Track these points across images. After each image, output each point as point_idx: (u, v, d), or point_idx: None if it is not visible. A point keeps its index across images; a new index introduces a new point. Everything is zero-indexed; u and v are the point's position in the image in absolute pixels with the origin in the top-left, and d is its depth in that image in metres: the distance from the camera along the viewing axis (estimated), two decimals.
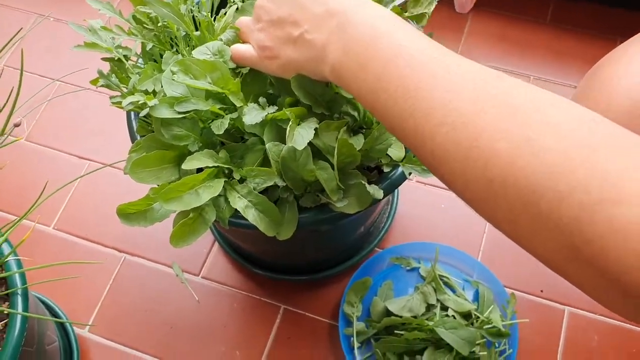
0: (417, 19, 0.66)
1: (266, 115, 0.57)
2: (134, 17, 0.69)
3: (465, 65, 0.42)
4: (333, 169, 0.59)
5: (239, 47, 0.59)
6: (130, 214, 0.56)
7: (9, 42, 0.66)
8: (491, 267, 0.91)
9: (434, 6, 0.65)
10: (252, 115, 0.57)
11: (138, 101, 0.56)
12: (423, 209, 0.99)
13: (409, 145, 0.44)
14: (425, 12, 0.65)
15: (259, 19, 0.56)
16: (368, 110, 0.50)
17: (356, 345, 0.84)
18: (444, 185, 1.01)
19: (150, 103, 0.55)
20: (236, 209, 0.59)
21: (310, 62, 0.51)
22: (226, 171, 0.60)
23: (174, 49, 0.70)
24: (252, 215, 0.59)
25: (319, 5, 0.50)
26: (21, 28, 0.70)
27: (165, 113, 0.56)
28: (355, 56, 0.47)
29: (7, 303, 0.70)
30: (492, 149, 0.37)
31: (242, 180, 0.60)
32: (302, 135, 0.55)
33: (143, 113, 0.58)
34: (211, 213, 0.57)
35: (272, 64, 0.55)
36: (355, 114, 0.63)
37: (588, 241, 0.32)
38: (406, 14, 0.66)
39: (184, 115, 0.58)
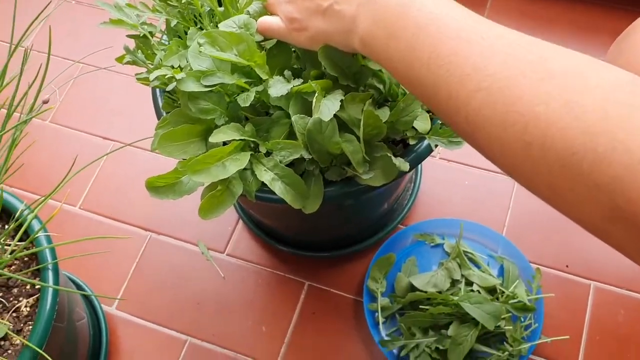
0: None
1: (292, 88, 0.57)
2: None
3: (499, 30, 0.42)
4: (359, 141, 0.59)
5: (266, 19, 0.59)
6: (159, 187, 0.57)
7: (33, 22, 0.67)
8: (516, 243, 0.90)
9: None
10: (278, 87, 0.57)
11: (165, 75, 0.57)
12: (446, 185, 0.99)
13: (441, 113, 0.44)
14: None
15: None
16: (398, 81, 0.50)
17: (381, 320, 0.84)
18: (467, 162, 1.02)
19: (178, 76, 0.56)
20: (263, 182, 0.59)
21: (339, 34, 0.51)
22: (252, 144, 0.60)
23: (198, 26, 0.70)
24: (278, 188, 0.59)
25: None
26: (46, 6, 0.70)
27: (192, 87, 0.57)
28: (386, 26, 0.46)
29: (37, 279, 0.71)
30: (530, 112, 0.36)
31: (268, 154, 0.60)
32: (328, 107, 0.55)
33: (170, 87, 0.59)
34: (238, 186, 0.57)
35: (301, 36, 0.55)
36: (381, 86, 0.63)
37: (631, 200, 0.32)
38: None
39: (210, 89, 0.58)
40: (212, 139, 0.57)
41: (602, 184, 0.33)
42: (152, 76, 0.58)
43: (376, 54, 0.48)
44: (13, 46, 0.62)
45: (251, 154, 0.58)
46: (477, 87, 0.40)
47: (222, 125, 0.59)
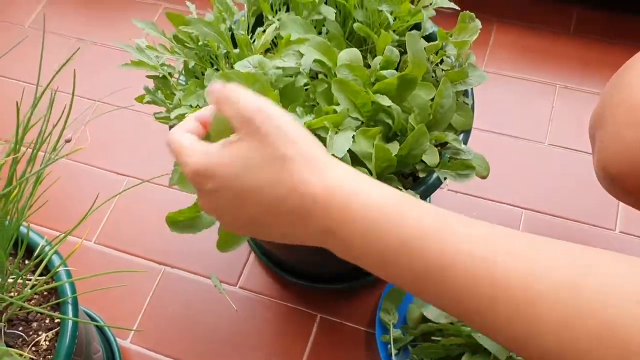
0: (459, 45, 0.69)
1: (304, 124, 0.60)
2: (174, 37, 0.72)
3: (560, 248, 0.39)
4: (371, 174, 0.61)
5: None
6: (179, 221, 0.59)
7: (63, 66, 0.70)
8: None
9: (477, 35, 0.67)
10: None
11: (185, 114, 0.59)
12: None
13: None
14: (468, 40, 0.68)
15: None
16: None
17: (393, 352, 0.85)
18: (475, 193, 1.04)
19: None
20: None
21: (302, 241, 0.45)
22: None
23: (214, 67, 0.73)
24: None
25: (284, 207, 0.42)
26: (77, 49, 0.73)
27: None
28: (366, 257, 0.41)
29: (57, 312, 0.73)
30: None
31: None
32: (341, 143, 0.58)
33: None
34: None
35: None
36: (390, 121, 0.65)
37: None
38: (451, 39, 0.69)
39: None
40: None
41: None
42: (173, 114, 0.60)
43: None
44: (41, 88, 0.65)
45: None
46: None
47: None
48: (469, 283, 0.37)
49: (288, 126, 0.42)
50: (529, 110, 1.13)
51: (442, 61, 0.72)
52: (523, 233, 0.40)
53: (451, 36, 0.70)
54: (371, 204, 0.40)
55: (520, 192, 1.03)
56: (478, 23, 0.69)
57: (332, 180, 0.41)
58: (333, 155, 0.58)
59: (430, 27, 0.75)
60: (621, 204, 1.00)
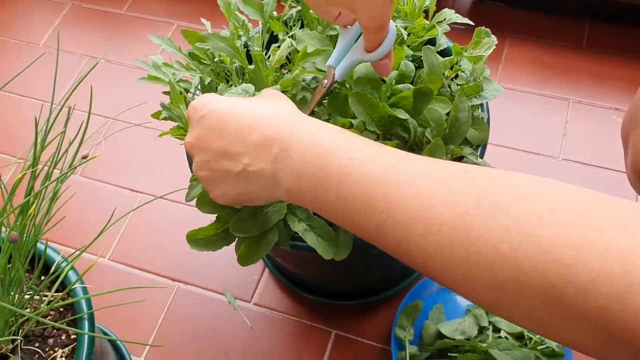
0: (474, 60, 0.69)
1: None
2: (190, 53, 0.73)
3: (427, 165, 0.41)
4: None
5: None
6: (199, 239, 0.59)
7: (77, 85, 0.71)
8: None
9: (492, 50, 0.68)
10: None
11: None
12: None
13: (396, 255, 0.42)
14: (483, 55, 0.68)
15: (193, 152, 0.53)
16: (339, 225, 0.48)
17: None
18: None
19: None
20: (295, 232, 0.61)
21: (261, 191, 0.50)
22: None
23: (229, 83, 0.74)
24: (310, 239, 0.61)
25: (254, 133, 0.48)
26: (96, 64, 0.74)
27: None
28: (310, 178, 0.45)
29: (73, 329, 0.73)
30: (494, 251, 0.35)
31: None
32: None
33: None
34: (274, 234, 0.59)
35: (219, 199, 0.53)
36: (406, 135, 0.65)
37: (624, 328, 0.31)
38: (466, 54, 0.69)
39: None
40: None
41: (591, 315, 0.32)
42: None
43: (307, 205, 0.47)
44: (56, 106, 0.65)
45: (287, 205, 0.60)
46: (426, 231, 0.38)
47: None
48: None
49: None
50: (542, 125, 1.13)
51: (457, 76, 0.72)
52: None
53: (466, 51, 0.70)
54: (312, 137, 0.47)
55: None
56: (494, 38, 0.69)
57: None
58: None
59: (444, 42, 0.75)
60: None
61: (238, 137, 0.49)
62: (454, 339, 0.84)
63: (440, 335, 0.85)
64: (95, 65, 0.71)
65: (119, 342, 0.94)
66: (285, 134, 0.47)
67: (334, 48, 0.62)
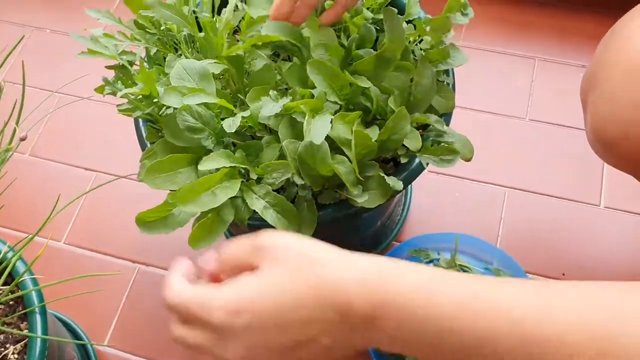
0: (436, 38, 0.66)
1: (283, 106, 0.56)
2: (135, 22, 0.68)
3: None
4: (350, 162, 0.58)
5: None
6: (149, 222, 0.55)
7: (8, 55, 0.65)
8: (511, 253, 0.89)
9: (451, 32, 0.64)
10: (269, 107, 0.56)
11: (138, 97, 0.55)
12: (437, 198, 0.98)
13: None
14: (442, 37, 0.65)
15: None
16: None
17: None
18: (456, 174, 1.01)
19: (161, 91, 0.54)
20: (254, 210, 0.57)
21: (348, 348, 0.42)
22: (243, 171, 0.58)
23: (178, 52, 0.69)
24: (270, 217, 0.58)
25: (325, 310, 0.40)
26: (22, 37, 0.68)
27: (175, 102, 0.55)
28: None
29: (25, 323, 0.69)
30: None
31: (259, 180, 0.59)
32: (319, 129, 0.54)
33: (148, 110, 0.57)
34: (229, 213, 0.56)
35: None
36: (369, 104, 0.62)
37: None
38: (428, 31, 0.65)
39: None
40: (202, 166, 0.55)
41: None
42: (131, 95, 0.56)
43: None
44: None
45: (242, 182, 0.57)
46: None
47: (210, 151, 0.58)
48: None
49: (308, 248, 0.41)
50: (508, 86, 1.11)
51: (421, 40, 0.68)
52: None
53: (428, 28, 0.66)
54: (405, 286, 0.39)
55: (502, 171, 1.00)
56: (466, 17, 0.65)
57: (366, 270, 0.40)
58: (310, 142, 0.55)
59: (416, 12, 0.70)
60: (605, 178, 0.98)
61: (301, 322, 0.40)
62: None
63: None
64: (22, 39, 0.65)
65: (78, 328, 0.90)
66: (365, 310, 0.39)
67: None
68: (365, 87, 0.59)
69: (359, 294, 0.38)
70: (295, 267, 0.40)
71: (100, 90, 0.65)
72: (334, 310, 0.39)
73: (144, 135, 0.66)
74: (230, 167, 0.56)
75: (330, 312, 0.39)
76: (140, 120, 0.67)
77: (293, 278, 0.40)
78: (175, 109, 0.57)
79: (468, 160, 0.62)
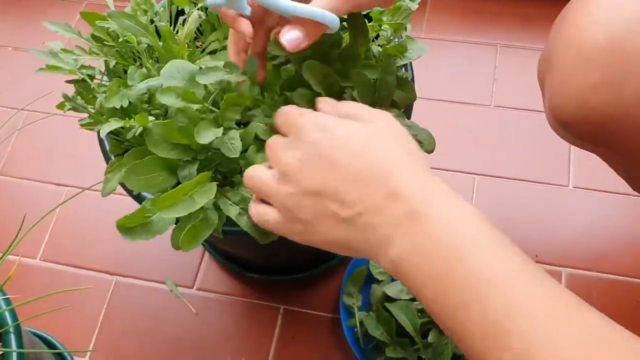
0: (395, 27, 0.66)
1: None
2: (92, 35, 0.67)
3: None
4: None
5: (260, 210, 0.51)
6: (130, 228, 0.55)
7: None
8: None
9: (410, 17, 0.65)
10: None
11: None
12: None
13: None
14: (402, 23, 0.65)
15: (286, 180, 0.47)
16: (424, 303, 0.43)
17: (360, 334, 0.83)
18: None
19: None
20: (228, 217, 0.58)
21: (363, 244, 0.44)
22: (219, 176, 0.59)
23: (138, 63, 0.69)
24: (245, 223, 0.58)
25: (376, 183, 0.43)
26: None
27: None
28: (429, 263, 0.41)
29: (0, 343, 0.68)
30: None
31: (232, 185, 0.59)
32: None
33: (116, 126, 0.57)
34: (214, 216, 0.56)
35: (305, 239, 0.48)
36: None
37: None
38: (385, 20, 0.66)
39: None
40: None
41: None
42: (103, 130, 0.56)
43: (410, 284, 0.43)
44: None
45: (217, 188, 0.57)
46: None
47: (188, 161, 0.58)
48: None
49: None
50: (472, 74, 1.12)
51: (377, 36, 0.69)
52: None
53: (385, 16, 0.66)
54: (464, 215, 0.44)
55: (470, 159, 1.02)
56: (414, 4, 0.65)
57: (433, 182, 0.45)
58: None
59: None
60: (572, 158, 1.00)
61: (348, 179, 0.44)
62: (400, 299, 0.83)
63: (387, 298, 0.85)
64: None
65: (58, 344, 0.89)
66: (419, 198, 0.43)
67: None
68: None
69: (413, 192, 0.43)
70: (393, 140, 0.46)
71: (61, 106, 0.64)
72: (387, 192, 0.43)
73: (108, 148, 0.66)
74: (206, 172, 0.56)
75: (381, 188, 0.43)
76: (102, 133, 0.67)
77: (374, 138, 0.45)
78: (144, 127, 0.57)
79: (430, 152, 0.63)
